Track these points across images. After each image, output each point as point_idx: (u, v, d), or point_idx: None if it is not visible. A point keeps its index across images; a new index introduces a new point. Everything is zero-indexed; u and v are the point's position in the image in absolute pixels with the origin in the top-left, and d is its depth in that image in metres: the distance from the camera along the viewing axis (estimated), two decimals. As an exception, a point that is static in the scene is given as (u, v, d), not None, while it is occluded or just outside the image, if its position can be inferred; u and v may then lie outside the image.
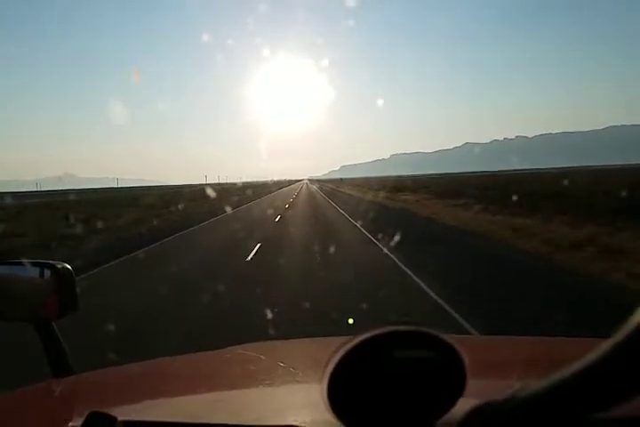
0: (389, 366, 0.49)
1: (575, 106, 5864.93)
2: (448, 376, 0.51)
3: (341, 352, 0.49)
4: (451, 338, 0.51)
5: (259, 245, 11.03)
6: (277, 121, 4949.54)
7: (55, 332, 1.24)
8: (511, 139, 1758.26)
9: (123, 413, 0.74)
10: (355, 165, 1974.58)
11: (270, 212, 22.38)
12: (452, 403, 0.51)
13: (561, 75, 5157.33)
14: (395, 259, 8.78)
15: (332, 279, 7.12)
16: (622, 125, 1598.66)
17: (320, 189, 71.72)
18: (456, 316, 5.08)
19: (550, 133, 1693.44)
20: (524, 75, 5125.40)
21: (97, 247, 11.88)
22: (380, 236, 11.55)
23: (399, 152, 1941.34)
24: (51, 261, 1.26)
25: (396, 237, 10.33)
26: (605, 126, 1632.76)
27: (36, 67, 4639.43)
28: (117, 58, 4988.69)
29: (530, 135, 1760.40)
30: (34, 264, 1.25)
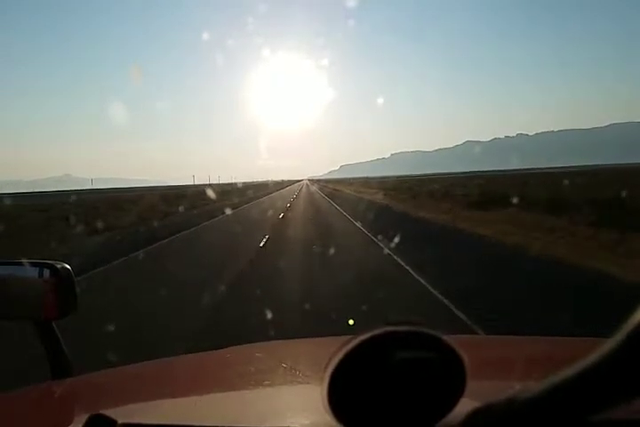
0: (389, 367, 0.49)
1: (577, 103, 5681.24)
2: (448, 377, 0.50)
3: (341, 354, 0.49)
4: (451, 338, 0.51)
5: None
6: (277, 121, 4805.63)
7: (55, 332, 1.23)
8: (512, 137, 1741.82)
9: (123, 415, 0.75)
10: (355, 164, 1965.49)
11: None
12: (453, 404, 0.51)
13: (562, 72, 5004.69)
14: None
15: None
16: (626, 123, 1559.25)
17: (331, 196, 40.70)
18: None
19: (552, 131, 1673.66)
20: (524, 72, 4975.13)
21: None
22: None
23: (399, 151, 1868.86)
24: (50, 261, 1.24)
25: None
26: (608, 124, 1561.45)
27: (35, 66, 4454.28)
28: (115, 57, 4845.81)
29: (531, 133, 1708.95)
30: (32, 264, 1.24)
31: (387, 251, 9.13)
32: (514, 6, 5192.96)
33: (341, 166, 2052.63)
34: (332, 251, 9.05)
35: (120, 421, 0.69)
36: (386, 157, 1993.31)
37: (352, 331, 0.51)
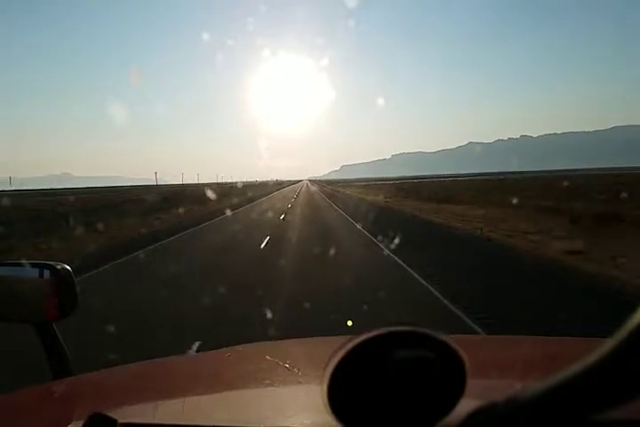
0: (389, 367, 0.49)
1: (581, 105, 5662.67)
2: (448, 377, 0.50)
3: (340, 354, 0.49)
4: (450, 338, 0.51)
5: None
6: (277, 121, 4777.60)
7: (55, 333, 1.24)
8: (516, 138, 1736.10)
9: (123, 415, 0.75)
10: (355, 164, 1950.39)
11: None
12: (453, 404, 0.51)
13: (566, 74, 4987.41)
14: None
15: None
16: (628, 125, 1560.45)
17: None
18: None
19: (555, 133, 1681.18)
20: (528, 73, 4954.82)
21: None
22: None
23: (401, 152, 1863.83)
24: (50, 262, 1.25)
25: None
26: (611, 126, 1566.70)
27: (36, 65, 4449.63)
28: (116, 56, 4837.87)
29: (534, 135, 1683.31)
30: (33, 265, 1.26)
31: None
32: (517, 7, 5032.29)
33: (342, 167, 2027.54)
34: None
35: (120, 420, 0.69)
36: (387, 157, 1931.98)
37: (352, 331, 0.51)
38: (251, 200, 38.22)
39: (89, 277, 8.18)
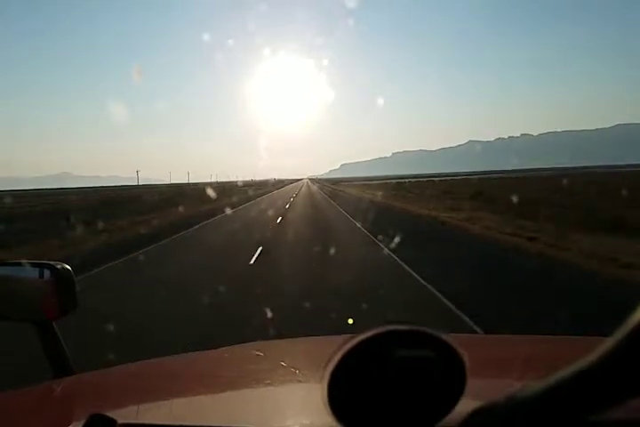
0: (389, 366, 0.49)
1: (582, 104, 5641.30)
2: (448, 376, 0.50)
3: (340, 353, 0.49)
4: (451, 337, 0.50)
5: None
6: (277, 120, 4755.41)
7: (56, 332, 1.25)
8: (516, 137, 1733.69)
9: (122, 415, 0.75)
10: (356, 163, 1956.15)
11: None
12: (453, 404, 0.51)
13: (567, 72, 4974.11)
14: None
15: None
16: (630, 124, 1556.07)
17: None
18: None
19: (556, 131, 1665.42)
20: (529, 72, 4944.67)
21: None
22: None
23: (401, 150, 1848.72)
24: (50, 262, 1.27)
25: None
26: (613, 125, 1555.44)
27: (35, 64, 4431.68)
28: (115, 56, 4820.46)
29: (535, 133, 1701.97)
30: (33, 265, 1.27)
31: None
32: (518, 6, 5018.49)
33: (342, 165, 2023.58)
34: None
35: (120, 420, 0.69)
36: (387, 156, 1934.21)
37: (352, 330, 0.50)
38: (247, 200, 38.84)
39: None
